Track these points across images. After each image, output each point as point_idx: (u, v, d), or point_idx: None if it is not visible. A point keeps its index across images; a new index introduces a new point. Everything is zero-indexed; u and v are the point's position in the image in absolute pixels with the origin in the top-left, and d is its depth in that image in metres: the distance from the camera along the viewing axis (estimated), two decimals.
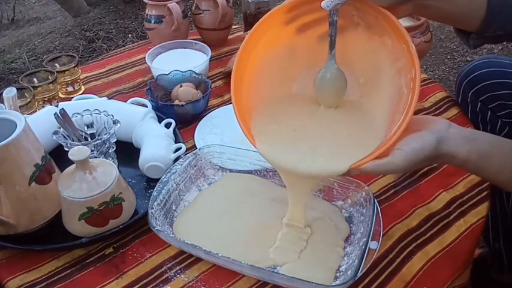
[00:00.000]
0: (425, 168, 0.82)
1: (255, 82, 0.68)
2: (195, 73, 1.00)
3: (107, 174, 0.67)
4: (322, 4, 0.59)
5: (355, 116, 0.66)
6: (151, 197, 0.69)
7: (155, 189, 0.71)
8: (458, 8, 0.67)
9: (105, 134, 0.77)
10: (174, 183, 0.74)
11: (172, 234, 0.68)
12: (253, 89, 0.67)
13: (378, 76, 0.66)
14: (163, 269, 0.67)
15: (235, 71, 0.65)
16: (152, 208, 0.68)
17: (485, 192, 0.78)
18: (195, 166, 0.78)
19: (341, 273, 0.63)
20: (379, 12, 0.62)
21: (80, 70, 1.08)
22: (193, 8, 1.22)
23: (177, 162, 0.76)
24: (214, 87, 1.06)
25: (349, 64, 0.66)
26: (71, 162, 0.66)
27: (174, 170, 0.74)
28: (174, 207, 0.73)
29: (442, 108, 0.98)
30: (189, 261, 0.68)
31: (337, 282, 0.61)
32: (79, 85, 1.08)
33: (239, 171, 0.80)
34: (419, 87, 0.57)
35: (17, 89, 0.86)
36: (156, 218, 0.67)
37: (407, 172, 0.59)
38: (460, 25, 0.72)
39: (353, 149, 0.60)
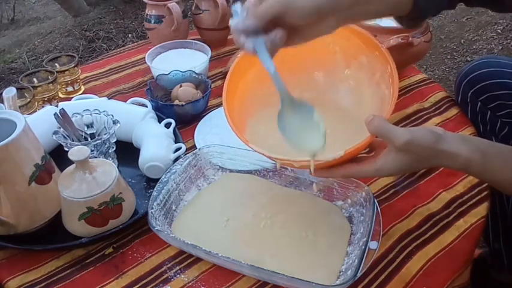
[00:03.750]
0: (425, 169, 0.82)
1: (247, 93, 0.71)
2: (195, 73, 1.00)
3: (106, 174, 0.67)
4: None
5: (341, 122, 0.69)
6: (151, 197, 0.69)
7: (155, 189, 0.71)
8: (387, 11, 0.62)
9: (105, 134, 0.77)
10: (174, 183, 0.74)
11: (172, 234, 0.68)
12: (245, 100, 0.70)
13: (360, 97, 0.70)
14: (163, 269, 0.67)
15: (228, 82, 0.67)
16: (152, 208, 0.68)
17: (485, 192, 0.78)
18: (195, 166, 0.78)
19: (341, 273, 0.63)
20: (350, 30, 0.67)
21: (79, 70, 1.08)
22: (193, 8, 1.22)
23: (177, 162, 0.76)
24: (214, 87, 1.06)
25: (333, 94, 0.71)
26: (70, 162, 0.66)
27: (174, 170, 0.74)
28: (174, 207, 0.73)
29: (442, 108, 0.98)
30: (189, 261, 0.68)
31: (337, 282, 0.61)
32: (79, 85, 1.08)
33: (239, 171, 0.80)
34: (397, 79, 0.61)
35: (17, 89, 0.86)
36: (156, 218, 0.67)
37: (403, 171, 0.58)
38: (388, 16, 0.67)
39: (342, 140, 0.61)
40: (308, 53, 0.70)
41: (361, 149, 0.59)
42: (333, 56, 0.72)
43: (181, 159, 0.77)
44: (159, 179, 0.73)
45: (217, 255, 0.62)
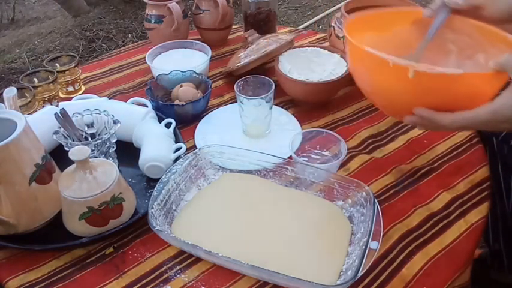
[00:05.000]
0: (426, 168, 0.82)
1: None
2: (195, 73, 1.00)
3: (107, 174, 0.67)
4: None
5: None
6: (152, 196, 0.69)
7: (155, 189, 0.71)
8: None
9: (105, 134, 0.77)
10: (175, 183, 0.74)
11: (172, 234, 0.68)
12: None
13: None
14: (163, 269, 0.67)
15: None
16: (152, 208, 0.68)
17: (486, 192, 0.78)
18: (195, 166, 0.78)
19: (341, 273, 0.63)
20: (475, 26, 0.69)
21: (80, 70, 1.08)
22: (193, 8, 1.22)
23: (177, 162, 0.76)
24: (215, 87, 1.06)
25: None
26: (71, 162, 0.66)
27: (175, 170, 0.74)
28: (174, 207, 0.73)
29: None
30: (189, 261, 0.68)
31: (338, 282, 0.61)
32: (79, 85, 1.08)
33: (239, 171, 0.80)
34: None
35: (17, 89, 0.86)
36: (156, 218, 0.67)
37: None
38: None
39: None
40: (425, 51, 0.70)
41: (481, 78, 0.57)
42: (447, 57, 0.72)
43: (181, 159, 0.77)
44: (160, 178, 0.73)
45: (217, 255, 0.62)
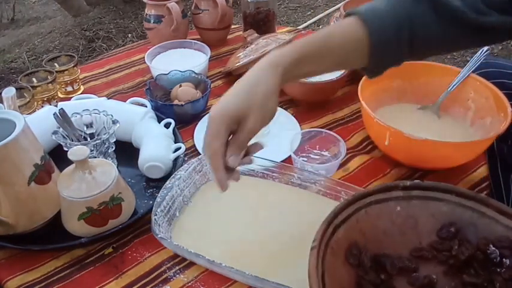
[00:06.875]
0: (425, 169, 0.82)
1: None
2: (195, 73, 1.00)
3: (106, 174, 0.67)
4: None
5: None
6: (155, 203, 0.68)
7: (159, 195, 0.70)
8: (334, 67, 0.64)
9: (104, 134, 0.77)
10: (179, 189, 0.73)
11: (175, 241, 0.67)
12: None
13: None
14: (162, 269, 0.67)
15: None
16: (156, 215, 0.67)
17: (485, 192, 0.77)
18: (200, 171, 0.77)
19: None
20: (491, 91, 0.81)
21: (79, 70, 1.08)
22: (192, 8, 1.22)
23: (182, 167, 0.75)
24: (214, 87, 1.06)
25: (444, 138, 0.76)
26: (70, 162, 0.66)
27: (179, 176, 0.73)
28: (177, 214, 0.72)
29: None
30: (188, 261, 0.68)
31: None
32: (78, 85, 1.08)
33: (241, 173, 0.79)
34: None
35: (16, 89, 0.86)
36: (159, 225, 0.66)
37: None
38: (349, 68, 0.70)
39: None
40: (447, 100, 0.86)
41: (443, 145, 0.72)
42: (465, 112, 0.86)
43: (186, 165, 0.76)
44: (160, 179, 0.72)
45: (220, 265, 0.61)
